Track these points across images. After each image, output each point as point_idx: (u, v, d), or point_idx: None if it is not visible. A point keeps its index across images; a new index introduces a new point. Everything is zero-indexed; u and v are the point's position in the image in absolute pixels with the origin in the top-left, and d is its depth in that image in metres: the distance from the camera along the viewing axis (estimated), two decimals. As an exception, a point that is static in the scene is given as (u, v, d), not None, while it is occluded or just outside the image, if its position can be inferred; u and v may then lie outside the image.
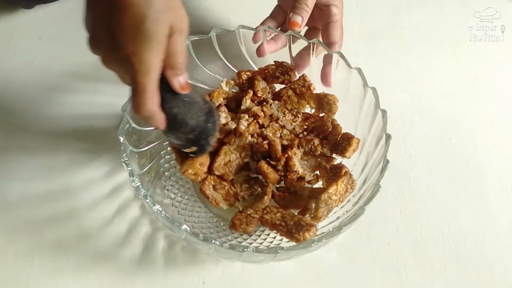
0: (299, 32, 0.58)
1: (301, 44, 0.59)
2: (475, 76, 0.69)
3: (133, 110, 0.42)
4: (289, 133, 0.55)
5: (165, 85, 0.42)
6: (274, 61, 0.59)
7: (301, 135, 0.56)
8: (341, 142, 0.54)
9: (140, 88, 0.40)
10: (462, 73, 0.69)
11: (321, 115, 0.57)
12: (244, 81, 0.59)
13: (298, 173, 0.53)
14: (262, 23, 0.61)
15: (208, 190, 0.51)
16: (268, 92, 0.59)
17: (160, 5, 0.37)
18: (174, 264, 0.53)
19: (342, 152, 0.53)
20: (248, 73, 0.59)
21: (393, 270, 0.54)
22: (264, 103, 0.57)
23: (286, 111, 0.57)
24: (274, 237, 0.53)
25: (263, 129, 0.55)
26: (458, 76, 0.69)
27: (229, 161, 0.52)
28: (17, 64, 0.66)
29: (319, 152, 0.54)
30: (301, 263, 0.53)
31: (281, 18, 0.61)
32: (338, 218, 0.51)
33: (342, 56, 0.55)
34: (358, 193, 0.52)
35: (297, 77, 0.59)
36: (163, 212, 0.45)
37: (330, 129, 0.55)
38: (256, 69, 0.61)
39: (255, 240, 0.53)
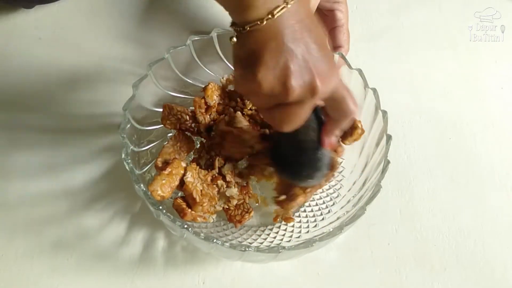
0: None
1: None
2: (475, 76, 0.69)
3: (347, 113, 0.43)
4: None
5: None
6: None
7: None
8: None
9: (351, 93, 0.42)
10: (462, 73, 0.69)
11: None
12: None
13: None
14: None
15: (197, 219, 0.50)
16: None
17: None
18: (174, 264, 0.53)
19: (343, 138, 0.52)
20: None
21: (393, 270, 0.54)
22: None
23: None
24: (275, 237, 0.53)
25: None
26: (458, 76, 0.69)
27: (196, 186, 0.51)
28: (17, 64, 0.66)
29: None
30: (301, 263, 0.53)
31: None
32: (338, 218, 0.51)
33: (342, 57, 0.55)
34: (358, 194, 0.52)
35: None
36: (163, 211, 0.45)
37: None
38: None
39: (255, 239, 0.53)
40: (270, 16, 0.35)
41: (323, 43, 0.38)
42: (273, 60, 0.36)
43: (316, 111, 0.45)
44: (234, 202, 0.51)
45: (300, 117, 0.40)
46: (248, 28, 0.36)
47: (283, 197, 0.50)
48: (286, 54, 0.36)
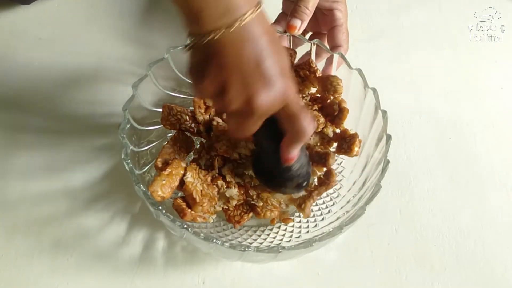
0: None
1: (306, 46, 0.59)
2: (475, 76, 0.69)
3: (301, 133, 0.43)
4: None
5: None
6: None
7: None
8: (346, 141, 0.53)
9: (303, 107, 0.42)
10: (462, 73, 0.69)
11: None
12: None
13: None
14: None
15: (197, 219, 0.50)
16: None
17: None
18: (174, 264, 0.53)
19: (347, 152, 0.53)
20: None
21: (393, 270, 0.54)
22: None
23: None
24: (275, 237, 0.53)
25: None
26: (458, 76, 0.69)
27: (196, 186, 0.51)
28: (17, 64, 0.66)
29: (319, 129, 0.54)
30: (301, 263, 0.53)
31: (285, 24, 0.61)
32: (338, 218, 0.51)
33: (342, 56, 0.55)
34: (358, 194, 0.52)
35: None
36: (163, 211, 0.45)
37: (336, 112, 0.55)
38: None
39: (255, 240, 0.53)
40: (224, 29, 0.37)
41: (277, 61, 0.39)
42: (216, 72, 0.39)
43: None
44: (234, 202, 0.51)
45: (248, 128, 0.42)
46: (202, 39, 0.37)
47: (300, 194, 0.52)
48: (229, 69, 0.38)
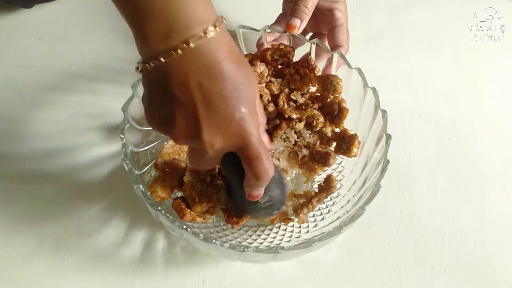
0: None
1: (307, 46, 0.59)
2: (475, 76, 0.69)
3: (258, 178, 0.38)
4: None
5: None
6: (272, 45, 0.58)
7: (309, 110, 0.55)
8: (345, 142, 0.53)
9: (262, 150, 0.37)
10: (462, 73, 0.69)
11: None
12: None
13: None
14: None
15: (196, 219, 0.50)
16: (268, 75, 0.58)
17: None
18: (174, 264, 0.53)
19: (345, 152, 0.53)
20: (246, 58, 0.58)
21: (393, 270, 0.54)
22: (269, 82, 0.57)
23: (295, 92, 0.56)
24: (274, 237, 0.53)
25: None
26: (458, 76, 0.69)
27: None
28: (17, 64, 0.66)
29: (318, 128, 0.54)
30: (301, 263, 0.53)
31: (285, 24, 0.61)
32: (338, 218, 0.51)
33: (342, 56, 0.55)
34: (358, 193, 0.52)
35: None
36: (163, 211, 0.45)
37: (336, 112, 0.55)
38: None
39: (255, 240, 0.53)
40: (171, 52, 0.32)
41: (236, 93, 0.34)
42: (161, 103, 0.34)
43: None
44: None
45: (206, 162, 0.38)
46: (149, 63, 0.33)
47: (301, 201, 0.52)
48: (176, 99, 0.33)
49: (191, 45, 0.31)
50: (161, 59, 0.32)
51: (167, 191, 0.48)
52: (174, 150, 0.52)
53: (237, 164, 0.39)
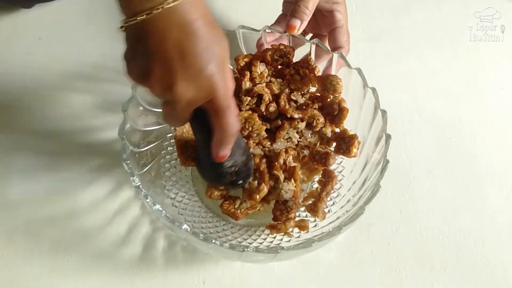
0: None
1: (307, 46, 0.59)
2: (475, 76, 0.69)
3: (225, 131, 0.41)
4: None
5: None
6: (272, 45, 0.58)
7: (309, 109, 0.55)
8: (345, 142, 0.53)
9: (231, 105, 0.40)
10: (462, 73, 0.69)
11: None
12: (243, 67, 0.58)
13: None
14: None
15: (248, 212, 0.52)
16: (268, 76, 0.58)
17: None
18: (174, 264, 0.53)
19: (345, 152, 0.53)
20: (246, 59, 0.58)
21: (393, 270, 0.54)
22: (269, 82, 0.57)
23: (295, 92, 0.56)
24: (274, 237, 0.53)
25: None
26: (458, 76, 0.69)
27: None
28: (17, 64, 0.66)
29: (318, 129, 0.54)
30: (301, 263, 0.53)
31: (285, 24, 0.61)
32: (338, 218, 0.51)
33: (342, 56, 0.55)
34: (358, 193, 0.52)
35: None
36: (163, 212, 0.45)
37: (336, 112, 0.55)
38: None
39: (255, 240, 0.53)
40: (151, 11, 0.36)
41: (207, 49, 0.37)
42: (141, 56, 0.38)
43: None
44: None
45: (176, 117, 0.41)
46: (131, 21, 0.37)
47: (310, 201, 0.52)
48: (151, 54, 0.37)
49: (168, 5, 0.36)
50: (143, 16, 0.36)
51: (221, 192, 0.52)
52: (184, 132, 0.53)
53: (206, 123, 0.42)
